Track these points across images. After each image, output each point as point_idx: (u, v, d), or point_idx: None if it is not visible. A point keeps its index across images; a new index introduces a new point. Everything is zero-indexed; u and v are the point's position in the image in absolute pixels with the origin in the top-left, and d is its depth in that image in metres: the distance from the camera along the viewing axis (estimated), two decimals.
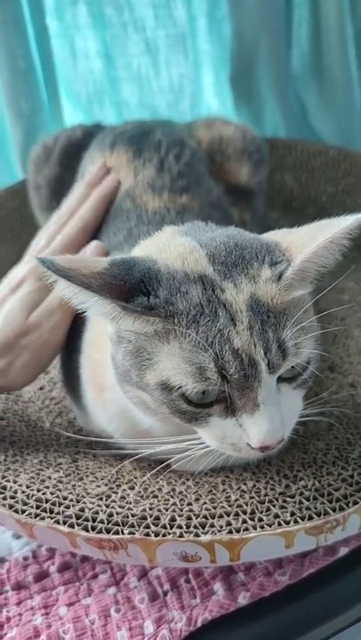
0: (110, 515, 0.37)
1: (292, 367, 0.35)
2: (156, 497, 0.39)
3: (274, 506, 0.37)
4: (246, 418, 0.34)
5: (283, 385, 0.36)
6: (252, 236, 0.39)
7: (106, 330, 0.39)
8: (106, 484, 0.41)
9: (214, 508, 0.37)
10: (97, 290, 0.33)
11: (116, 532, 0.36)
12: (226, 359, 0.33)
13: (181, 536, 0.35)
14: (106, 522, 0.37)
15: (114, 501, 0.39)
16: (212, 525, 0.36)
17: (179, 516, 0.37)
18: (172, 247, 0.37)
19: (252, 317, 0.33)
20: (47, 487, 0.40)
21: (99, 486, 0.40)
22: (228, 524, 0.36)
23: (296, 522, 0.35)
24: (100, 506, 0.38)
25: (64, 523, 0.37)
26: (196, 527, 0.36)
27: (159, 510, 0.37)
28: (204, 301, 0.34)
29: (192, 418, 0.35)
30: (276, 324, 0.34)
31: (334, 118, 0.88)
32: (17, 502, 0.38)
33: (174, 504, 0.38)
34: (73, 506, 0.38)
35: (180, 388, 0.34)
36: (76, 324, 0.47)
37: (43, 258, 0.34)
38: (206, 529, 0.36)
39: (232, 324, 0.33)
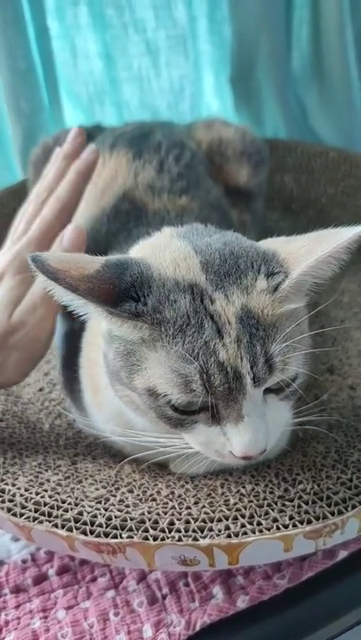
0: (109, 518, 0.37)
1: (280, 381, 0.35)
2: (154, 500, 0.39)
3: (273, 509, 0.37)
4: (230, 427, 0.34)
5: (269, 396, 0.35)
6: (250, 243, 0.38)
7: (100, 327, 0.39)
8: (104, 487, 0.41)
9: (213, 511, 0.37)
10: (83, 294, 0.33)
11: (115, 536, 0.36)
12: (211, 372, 0.33)
13: (180, 540, 0.35)
14: (104, 525, 0.36)
15: (112, 505, 0.38)
16: (211, 529, 0.36)
17: (177, 519, 0.37)
18: (168, 251, 0.37)
19: (240, 330, 0.33)
20: (46, 490, 0.40)
21: (97, 489, 0.40)
22: (227, 527, 0.36)
23: (295, 526, 0.35)
24: (98, 509, 0.38)
25: (62, 526, 0.37)
26: (194, 531, 0.36)
27: (158, 514, 0.37)
28: (190, 312, 0.34)
29: (178, 424, 0.35)
30: (265, 338, 0.33)
31: (334, 120, 0.88)
32: (15, 505, 0.38)
33: (173, 507, 0.38)
34: (71, 509, 0.38)
35: (165, 395, 0.34)
36: (75, 325, 0.47)
37: (34, 256, 0.33)
38: (205, 533, 0.35)
39: (219, 336, 0.33)
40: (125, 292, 0.34)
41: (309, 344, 0.37)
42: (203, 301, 0.34)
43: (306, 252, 0.35)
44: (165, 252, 0.37)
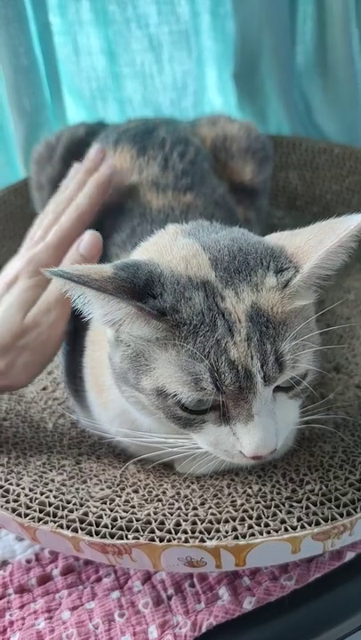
0: (114, 519, 0.37)
1: (290, 378, 0.35)
2: (160, 501, 0.39)
3: (280, 511, 0.36)
4: (240, 427, 0.33)
5: (279, 394, 0.35)
6: (257, 239, 0.38)
7: (106, 334, 0.39)
8: (110, 487, 0.40)
9: (220, 512, 0.37)
10: (114, 292, 0.33)
11: (120, 537, 0.35)
12: (221, 370, 0.32)
13: (187, 541, 0.35)
14: (110, 526, 0.36)
15: (118, 505, 0.38)
16: (218, 530, 0.35)
17: (184, 520, 0.36)
18: (175, 249, 0.37)
19: (250, 328, 0.33)
20: (50, 490, 0.39)
21: (102, 489, 0.40)
22: (234, 529, 0.35)
23: (303, 527, 0.35)
24: (103, 510, 0.38)
25: (67, 527, 0.36)
26: (201, 532, 0.35)
27: (164, 515, 0.37)
28: (205, 309, 0.33)
29: (187, 424, 0.35)
30: (275, 336, 0.33)
31: (339, 115, 0.87)
32: (20, 506, 0.38)
33: (179, 508, 0.37)
34: (76, 510, 0.38)
35: (175, 395, 0.34)
36: (78, 324, 0.46)
37: (53, 271, 0.33)
38: (212, 534, 0.35)
39: (230, 334, 0.33)
40: (144, 290, 0.34)
41: (318, 341, 0.36)
42: (215, 298, 0.34)
43: (314, 244, 0.34)
44: (173, 249, 0.37)
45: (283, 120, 0.89)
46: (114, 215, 0.53)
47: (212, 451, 0.36)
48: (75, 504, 0.38)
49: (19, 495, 0.39)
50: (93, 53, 0.82)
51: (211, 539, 0.35)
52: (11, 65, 0.76)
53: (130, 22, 0.81)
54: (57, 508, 0.38)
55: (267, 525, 0.35)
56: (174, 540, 0.35)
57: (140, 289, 0.34)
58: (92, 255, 0.46)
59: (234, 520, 0.36)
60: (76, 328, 0.48)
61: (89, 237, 0.47)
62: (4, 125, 0.82)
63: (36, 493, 0.39)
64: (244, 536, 0.35)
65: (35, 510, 0.38)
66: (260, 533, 0.35)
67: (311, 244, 0.35)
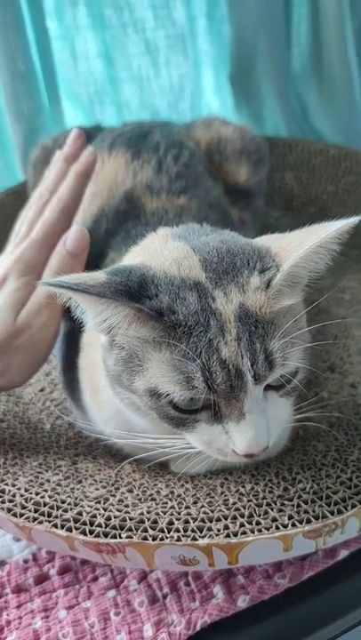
0: (108, 518, 0.37)
1: (280, 377, 0.35)
2: (154, 500, 0.39)
3: (272, 509, 0.37)
4: (232, 425, 0.34)
5: (270, 393, 0.36)
6: (246, 241, 0.38)
7: (100, 338, 0.39)
8: (104, 487, 0.41)
9: (212, 511, 0.37)
10: (112, 296, 0.33)
11: (114, 536, 0.36)
12: (213, 369, 0.33)
13: (179, 540, 0.35)
14: (103, 525, 0.37)
15: (112, 505, 0.38)
16: (210, 529, 0.36)
17: (176, 519, 0.37)
18: (166, 252, 0.37)
19: (240, 328, 0.33)
20: (45, 490, 0.40)
21: (97, 489, 0.40)
22: (226, 527, 0.36)
23: (294, 525, 0.35)
24: (97, 509, 0.38)
25: (62, 526, 0.37)
26: (193, 531, 0.36)
27: (157, 514, 0.37)
28: (199, 310, 0.34)
29: (180, 423, 0.36)
30: (263, 335, 0.34)
31: (335, 117, 0.88)
32: (15, 506, 0.38)
33: (172, 507, 0.38)
34: (71, 509, 0.38)
35: (167, 395, 0.34)
36: (75, 325, 0.47)
37: (50, 282, 0.33)
38: (204, 533, 0.35)
39: (221, 334, 0.33)
40: (139, 292, 0.34)
41: (309, 339, 0.37)
42: (206, 299, 0.34)
43: (297, 245, 0.35)
44: (164, 252, 0.37)
45: (279, 122, 0.90)
46: (109, 219, 0.53)
47: (206, 450, 0.36)
48: (69, 504, 0.39)
49: (14, 495, 0.39)
50: (91, 58, 0.83)
51: (203, 537, 0.35)
52: (8, 70, 0.76)
53: (126, 27, 0.82)
54: (52, 507, 0.38)
55: (258, 524, 0.36)
56: (167, 538, 0.35)
57: (135, 291, 0.34)
58: (79, 251, 0.45)
59: (226, 518, 0.36)
60: (73, 329, 0.48)
61: (75, 233, 0.46)
62: (2, 130, 0.83)
63: (31, 493, 0.40)
64: (235, 534, 0.35)
65: (30, 510, 0.38)
66: (252, 531, 0.35)
67: (294, 245, 0.35)
